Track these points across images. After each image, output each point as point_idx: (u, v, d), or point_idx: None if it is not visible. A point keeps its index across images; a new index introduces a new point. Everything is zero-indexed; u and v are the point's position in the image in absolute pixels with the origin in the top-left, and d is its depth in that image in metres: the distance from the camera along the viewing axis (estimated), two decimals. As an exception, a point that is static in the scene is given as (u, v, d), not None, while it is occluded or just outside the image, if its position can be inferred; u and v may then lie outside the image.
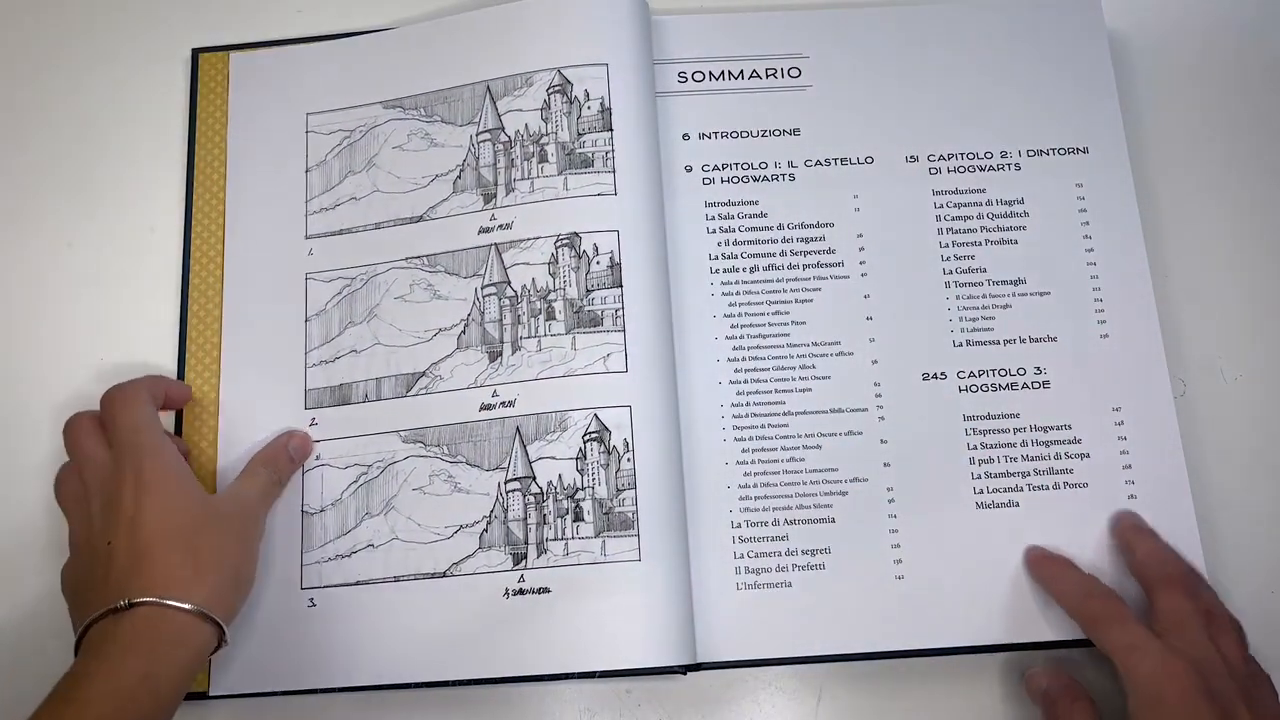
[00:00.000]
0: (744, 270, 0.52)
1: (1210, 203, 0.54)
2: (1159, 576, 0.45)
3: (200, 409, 0.50)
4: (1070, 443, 0.49)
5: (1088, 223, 0.52)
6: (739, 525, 0.48)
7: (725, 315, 0.51)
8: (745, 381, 0.50)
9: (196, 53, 0.55)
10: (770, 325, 0.51)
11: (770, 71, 0.54)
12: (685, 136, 0.54)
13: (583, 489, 0.47)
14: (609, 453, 0.47)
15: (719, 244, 0.52)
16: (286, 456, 0.48)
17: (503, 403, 0.48)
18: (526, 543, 0.47)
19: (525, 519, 0.47)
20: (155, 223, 0.54)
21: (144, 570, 0.40)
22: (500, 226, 0.50)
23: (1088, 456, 0.49)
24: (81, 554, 0.43)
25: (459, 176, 0.52)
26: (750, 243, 0.52)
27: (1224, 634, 0.43)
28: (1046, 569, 0.47)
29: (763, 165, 0.53)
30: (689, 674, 0.46)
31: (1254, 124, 0.56)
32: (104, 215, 0.54)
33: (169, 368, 0.51)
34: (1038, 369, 0.50)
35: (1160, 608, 0.44)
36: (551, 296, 0.49)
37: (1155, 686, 0.41)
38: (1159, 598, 0.44)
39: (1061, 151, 0.53)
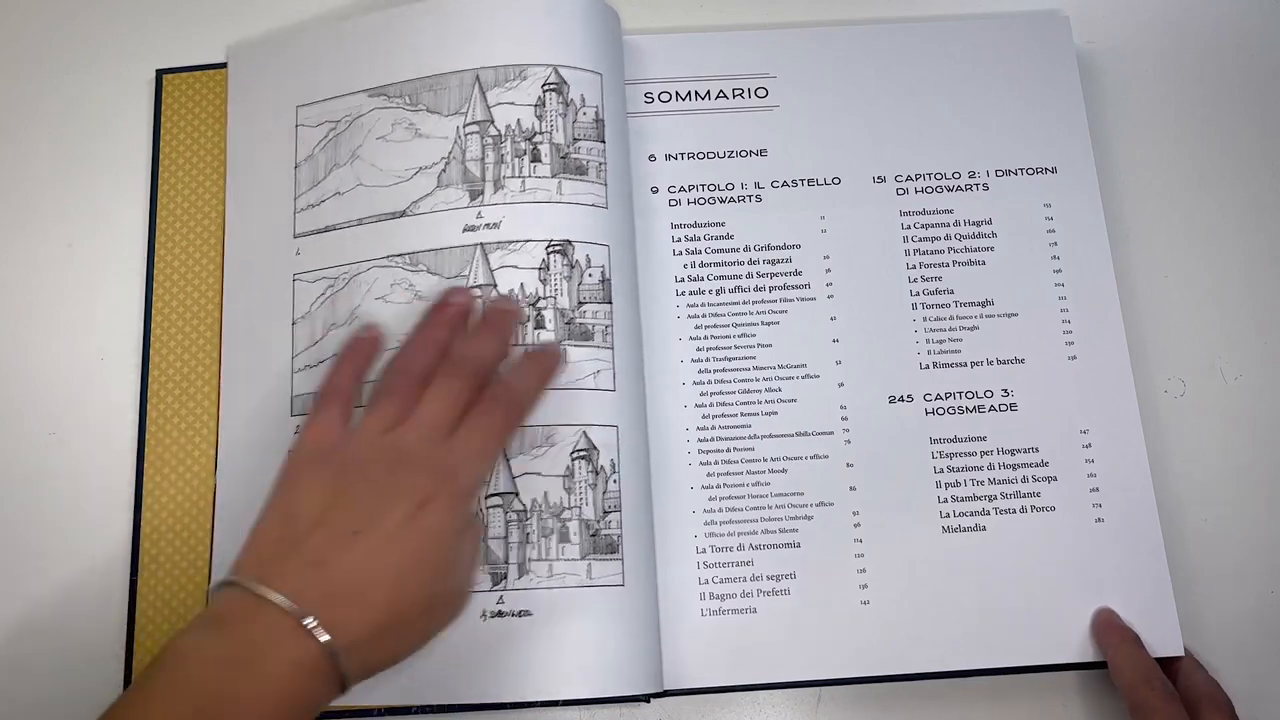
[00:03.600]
0: (710, 292, 0.51)
1: (1179, 223, 0.54)
2: (1210, 697, 0.44)
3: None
4: (1037, 465, 0.49)
5: (1056, 243, 0.52)
6: (704, 550, 0.48)
7: (691, 338, 0.51)
8: (711, 405, 0.50)
9: (160, 74, 0.55)
10: (736, 348, 0.51)
11: (737, 91, 0.54)
12: (651, 158, 0.53)
13: (570, 509, 0.46)
14: (596, 473, 0.46)
15: (685, 266, 0.52)
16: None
17: None
18: (507, 562, 0.45)
19: (506, 537, 0.45)
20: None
21: (345, 605, 0.36)
22: (487, 225, 0.48)
23: (1055, 480, 0.49)
24: (310, 496, 0.38)
25: (444, 170, 0.49)
26: (717, 264, 0.52)
27: None
28: (1112, 637, 0.46)
29: (729, 186, 0.53)
30: (652, 700, 0.46)
31: (1222, 144, 0.55)
32: (103, 222, 0.53)
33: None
34: (1005, 391, 0.50)
35: None
36: (541, 305, 0.47)
37: None
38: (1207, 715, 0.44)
39: (1030, 171, 0.53)
